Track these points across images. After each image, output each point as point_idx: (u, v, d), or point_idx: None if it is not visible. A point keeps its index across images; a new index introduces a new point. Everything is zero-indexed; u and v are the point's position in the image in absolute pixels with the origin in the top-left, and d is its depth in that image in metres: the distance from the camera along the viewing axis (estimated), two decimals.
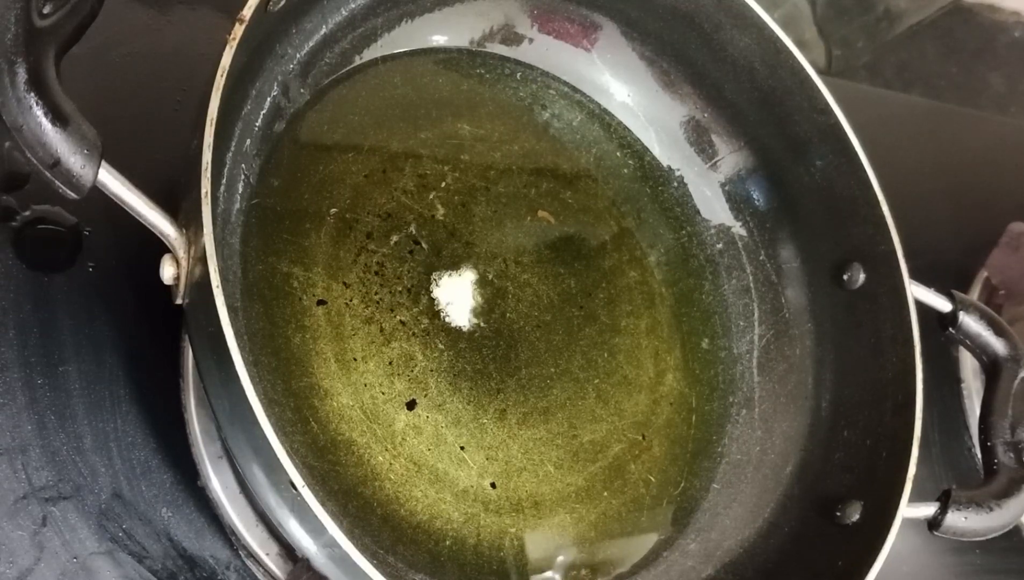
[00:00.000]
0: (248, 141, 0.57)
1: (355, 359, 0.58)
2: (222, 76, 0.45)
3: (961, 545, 0.77)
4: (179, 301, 0.47)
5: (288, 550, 0.56)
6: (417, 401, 0.59)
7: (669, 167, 0.74)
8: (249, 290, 0.55)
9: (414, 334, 0.60)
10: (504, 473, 0.60)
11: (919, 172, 0.94)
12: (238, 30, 0.47)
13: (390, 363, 0.59)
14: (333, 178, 0.61)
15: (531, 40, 0.71)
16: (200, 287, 0.44)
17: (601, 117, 0.73)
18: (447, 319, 0.62)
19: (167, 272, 0.46)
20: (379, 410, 0.57)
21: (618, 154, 0.73)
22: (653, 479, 0.65)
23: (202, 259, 0.43)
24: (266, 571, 0.56)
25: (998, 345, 0.66)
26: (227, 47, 0.46)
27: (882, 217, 0.65)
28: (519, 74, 0.71)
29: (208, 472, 0.56)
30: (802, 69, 0.67)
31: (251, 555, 0.56)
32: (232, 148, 0.55)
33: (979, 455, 0.66)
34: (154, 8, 0.66)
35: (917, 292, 0.64)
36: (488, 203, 0.66)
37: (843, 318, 0.68)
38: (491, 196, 0.67)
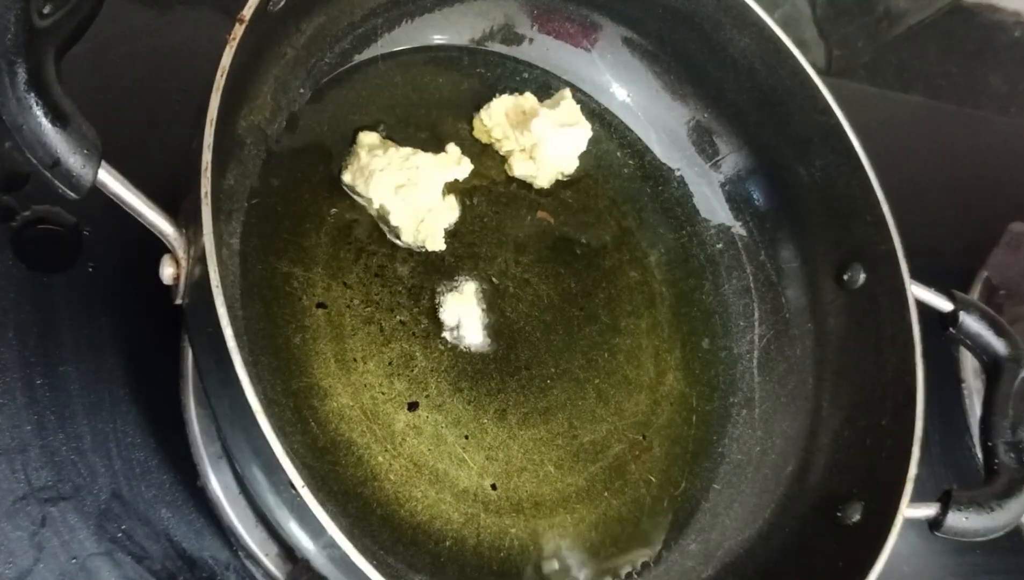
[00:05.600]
0: (248, 141, 0.57)
1: (355, 359, 0.58)
2: (222, 76, 0.45)
3: (962, 545, 0.77)
4: (179, 301, 0.47)
5: (288, 551, 0.56)
6: (418, 402, 0.59)
7: (669, 167, 0.74)
8: (249, 290, 0.55)
9: (414, 334, 0.60)
10: (504, 473, 0.60)
11: (919, 172, 0.94)
12: (238, 30, 0.47)
13: (390, 363, 0.59)
14: (333, 178, 0.61)
15: (531, 40, 0.71)
16: (200, 287, 0.44)
17: (602, 117, 0.73)
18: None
19: (167, 272, 0.46)
20: (379, 410, 0.57)
21: (618, 154, 0.73)
22: (653, 479, 0.65)
23: (202, 259, 0.43)
24: (266, 572, 0.56)
25: (998, 345, 0.66)
26: (227, 47, 0.46)
27: (882, 217, 0.65)
28: (519, 74, 0.71)
29: (208, 472, 0.56)
30: (802, 69, 0.67)
31: (250, 556, 0.56)
32: (233, 148, 0.55)
33: (980, 455, 0.66)
34: (154, 8, 0.66)
35: (917, 292, 0.64)
36: (488, 203, 0.66)
37: (843, 318, 0.68)
38: (491, 196, 0.67)
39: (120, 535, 0.54)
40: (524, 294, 0.65)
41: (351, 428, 0.56)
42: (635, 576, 0.62)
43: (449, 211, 0.64)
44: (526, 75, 0.71)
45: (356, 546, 0.43)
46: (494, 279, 0.64)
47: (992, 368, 0.66)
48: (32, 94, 0.41)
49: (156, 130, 0.62)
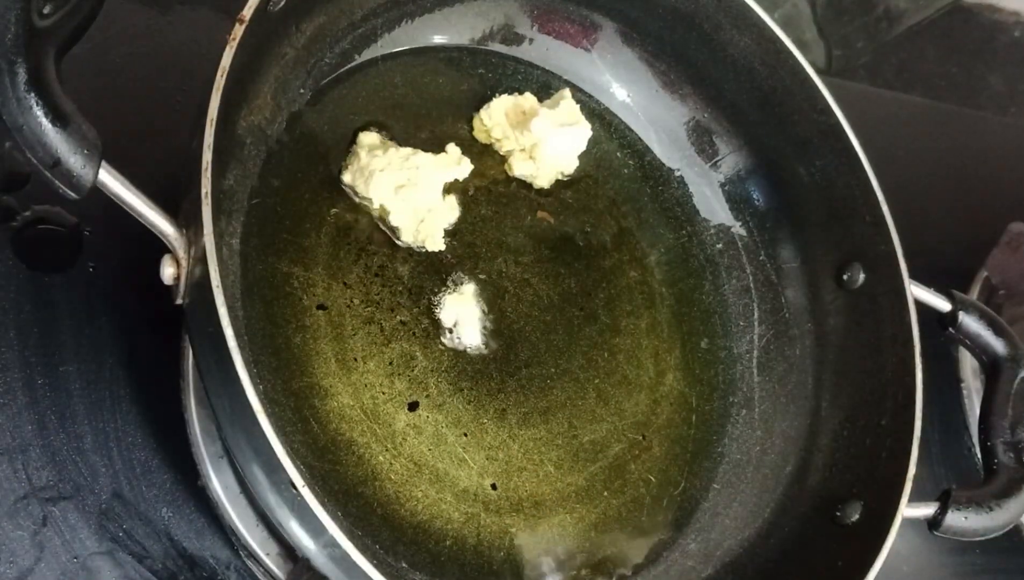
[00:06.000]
0: (248, 141, 0.57)
1: (355, 359, 0.58)
2: (222, 76, 0.45)
3: (961, 545, 0.77)
4: (179, 301, 0.47)
5: (288, 550, 0.56)
6: (418, 401, 0.59)
7: (669, 167, 0.74)
8: (249, 290, 0.55)
9: (414, 334, 0.60)
10: (504, 473, 0.60)
11: (919, 172, 0.94)
12: (238, 30, 0.47)
13: (390, 363, 0.59)
14: (333, 178, 0.61)
15: (531, 40, 0.71)
16: (200, 287, 0.44)
17: (602, 117, 0.73)
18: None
19: (167, 272, 0.46)
20: (379, 410, 0.57)
21: (618, 154, 0.73)
22: (653, 479, 0.65)
23: (202, 259, 0.43)
24: (266, 571, 0.56)
25: (998, 345, 0.66)
26: (227, 47, 0.46)
27: (882, 217, 0.65)
28: (520, 74, 0.71)
29: (208, 472, 0.56)
30: (802, 69, 0.67)
31: (251, 555, 0.56)
32: (233, 148, 0.55)
33: (979, 455, 0.66)
34: (154, 8, 0.66)
35: (917, 292, 0.64)
36: (489, 203, 0.66)
37: (843, 318, 0.68)
38: (492, 196, 0.67)
39: (121, 534, 0.55)
40: (524, 294, 0.65)
41: (351, 428, 0.56)
42: (635, 575, 0.62)
43: (449, 211, 0.64)
44: (526, 75, 0.71)
45: (356, 545, 0.43)
46: (494, 279, 0.64)
47: (991, 368, 0.66)
48: (32, 94, 0.41)
49: (156, 130, 0.62)
